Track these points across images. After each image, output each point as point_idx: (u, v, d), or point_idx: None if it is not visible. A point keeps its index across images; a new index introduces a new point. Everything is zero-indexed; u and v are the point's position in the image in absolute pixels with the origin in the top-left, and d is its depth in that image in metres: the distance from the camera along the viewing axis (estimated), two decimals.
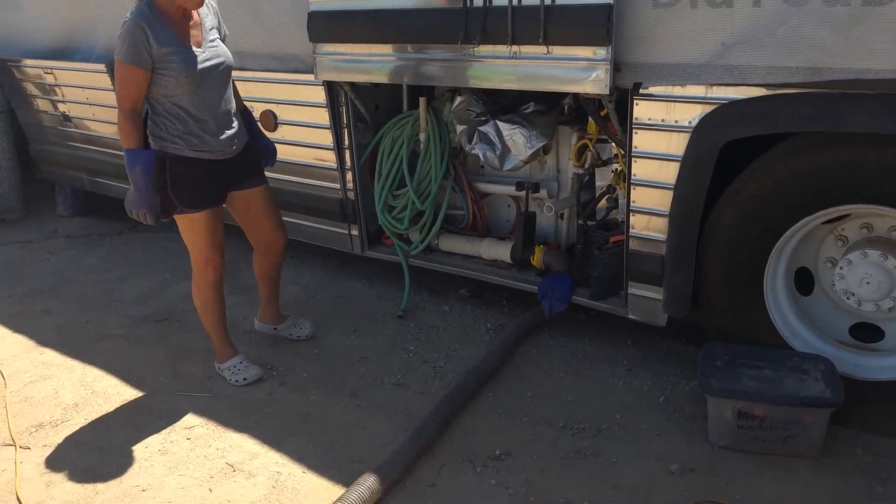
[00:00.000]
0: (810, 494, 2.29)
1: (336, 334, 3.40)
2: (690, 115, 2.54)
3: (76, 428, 2.78)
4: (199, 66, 2.65)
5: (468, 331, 3.40)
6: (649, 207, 2.76)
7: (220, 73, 2.77)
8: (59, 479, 2.49)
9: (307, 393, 2.95)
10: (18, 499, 2.40)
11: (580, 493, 2.34)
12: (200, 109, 2.69)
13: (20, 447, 2.67)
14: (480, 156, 3.31)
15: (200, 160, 2.74)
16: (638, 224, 2.82)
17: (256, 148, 3.02)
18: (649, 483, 2.37)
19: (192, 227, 2.81)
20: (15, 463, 2.58)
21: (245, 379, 3.00)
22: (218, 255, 2.90)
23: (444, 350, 3.23)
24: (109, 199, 5.09)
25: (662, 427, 2.65)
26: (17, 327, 3.61)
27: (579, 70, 2.66)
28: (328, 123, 3.53)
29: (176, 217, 2.79)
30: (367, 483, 2.28)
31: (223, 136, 2.78)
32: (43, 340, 3.47)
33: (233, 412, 2.82)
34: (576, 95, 3.03)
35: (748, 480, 2.36)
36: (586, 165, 3.23)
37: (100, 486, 2.45)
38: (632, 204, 2.80)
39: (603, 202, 3.23)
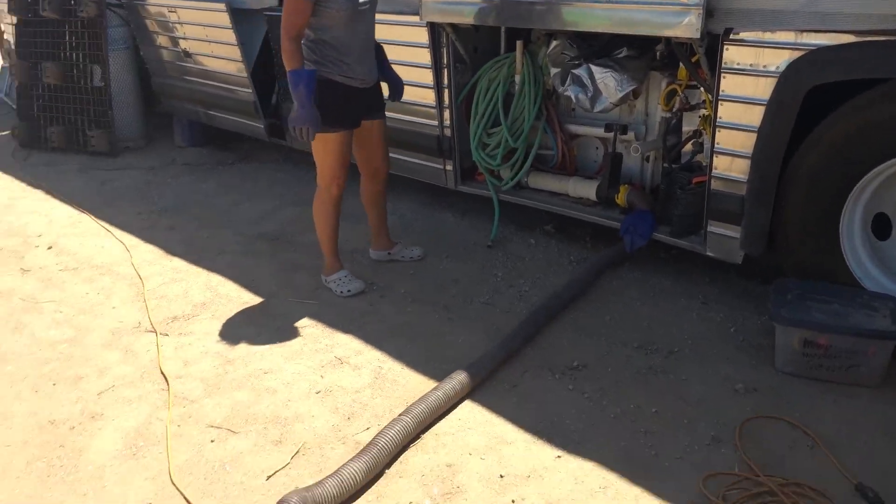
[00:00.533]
0: (867, 418, 2.46)
1: (430, 259, 3.71)
2: (779, 60, 2.67)
3: (205, 321, 3.19)
4: (358, 2, 3.00)
5: (552, 262, 3.64)
6: (733, 149, 2.91)
7: (370, 10, 3.13)
8: (195, 360, 2.90)
9: (404, 306, 3.27)
10: (163, 373, 2.82)
11: (650, 402, 2.58)
12: (351, 41, 3.03)
13: (160, 334, 3.10)
14: (572, 97, 3.50)
15: (346, 86, 3.09)
16: (721, 165, 2.98)
17: (389, 81, 3.35)
18: (715, 398, 2.59)
19: (326, 145, 3.14)
20: (157, 346, 3.01)
21: (349, 290, 3.35)
22: (344, 173, 3.24)
23: (529, 277, 3.49)
24: (222, 131, 5.52)
25: (731, 354, 2.85)
26: (148, 238, 4.07)
27: (673, 14, 2.82)
28: (429, 63, 3.78)
29: None
30: (459, 378, 2.59)
31: (365, 67, 3.13)
32: (171, 250, 3.92)
33: (339, 317, 3.17)
34: (668, 41, 3.17)
35: (809, 402, 2.55)
36: (674, 110, 3.38)
37: (228, 367, 2.85)
38: (716, 146, 2.96)
39: (688, 146, 3.39)
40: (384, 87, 3.41)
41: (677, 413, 2.53)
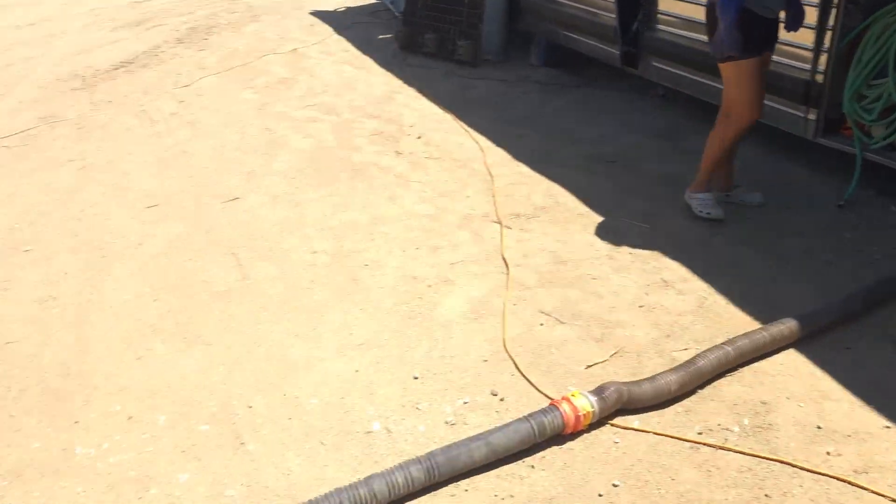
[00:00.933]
0: None
1: (771, 207, 3.57)
2: None
3: (544, 223, 3.48)
4: None
5: None
6: None
7: None
8: (532, 254, 3.21)
9: (737, 246, 3.24)
10: (504, 259, 3.17)
11: None
12: None
13: (504, 226, 3.45)
14: None
15: (758, 16, 3.10)
16: None
17: (793, 10, 3.25)
18: None
19: (740, 73, 3.18)
20: (500, 235, 3.37)
21: (709, 213, 3.41)
22: (761, 101, 3.28)
23: (883, 246, 3.21)
24: (574, 55, 5.72)
25: None
26: (499, 143, 4.47)
27: None
28: (816, 1, 3.53)
29: (725, 66, 3.19)
30: (788, 325, 2.54)
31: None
32: (518, 156, 4.26)
33: (669, 244, 3.25)
34: None
35: None
36: None
37: (560, 266, 3.11)
38: None
39: None
40: None
41: None
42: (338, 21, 7.75)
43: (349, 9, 8.36)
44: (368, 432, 2.24)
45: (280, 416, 2.32)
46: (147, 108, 5.31)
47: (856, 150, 3.60)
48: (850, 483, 2.02)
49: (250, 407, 2.37)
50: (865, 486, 2.01)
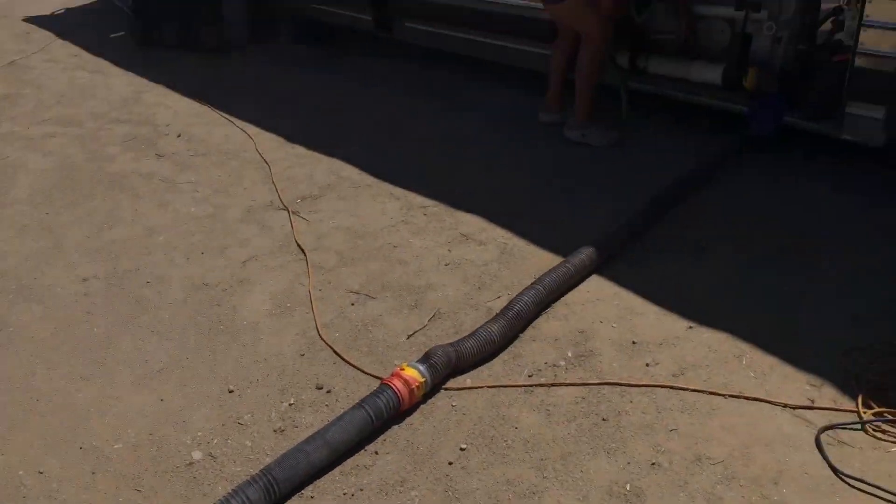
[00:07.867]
0: None
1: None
2: None
3: (332, 201, 3.33)
4: None
5: (670, 154, 3.58)
6: (884, 21, 2.75)
7: None
8: (326, 235, 3.05)
9: (524, 187, 3.31)
10: (299, 245, 2.98)
11: (783, 281, 2.57)
12: None
13: (291, 211, 3.25)
14: None
15: None
16: (869, 40, 2.82)
17: None
18: (853, 278, 2.56)
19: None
20: (290, 222, 3.16)
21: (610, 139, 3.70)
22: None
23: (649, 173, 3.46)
24: (328, 28, 5.56)
25: (865, 238, 2.78)
26: (268, 127, 4.21)
27: None
28: None
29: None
30: (586, 252, 2.63)
31: None
32: (291, 138, 4.05)
33: (459, 197, 3.24)
34: None
35: None
36: None
37: (359, 241, 2.98)
38: (865, 18, 2.80)
39: (827, 24, 3.21)
40: None
41: (813, 291, 2.50)
42: (59, 25, 6.90)
43: (69, 10, 7.50)
44: (190, 463, 1.98)
45: (81, 473, 1.98)
46: None
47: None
48: (671, 387, 2.13)
49: (41, 472, 2.00)
50: (684, 386, 2.13)
